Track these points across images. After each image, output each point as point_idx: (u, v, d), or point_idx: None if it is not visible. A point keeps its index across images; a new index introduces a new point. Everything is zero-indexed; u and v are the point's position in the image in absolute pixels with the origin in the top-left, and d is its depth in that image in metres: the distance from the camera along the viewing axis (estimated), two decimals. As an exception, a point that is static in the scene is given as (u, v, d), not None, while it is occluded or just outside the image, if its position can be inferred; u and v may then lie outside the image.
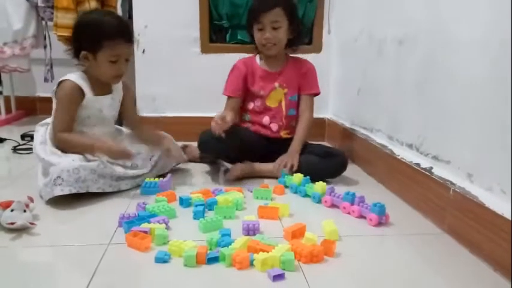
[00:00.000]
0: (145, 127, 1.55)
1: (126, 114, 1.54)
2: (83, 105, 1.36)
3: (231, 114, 1.38)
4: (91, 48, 1.31)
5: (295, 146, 1.53)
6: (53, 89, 1.38)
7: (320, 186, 1.30)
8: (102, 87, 1.40)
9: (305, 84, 1.62)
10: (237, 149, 1.48)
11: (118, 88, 1.47)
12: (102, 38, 1.29)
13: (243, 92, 1.60)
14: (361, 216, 1.17)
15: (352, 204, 1.21)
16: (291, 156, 1.49)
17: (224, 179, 1.48)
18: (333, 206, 1.25)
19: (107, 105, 1.42)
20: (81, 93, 1.34)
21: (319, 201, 1.28)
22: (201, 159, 1.69)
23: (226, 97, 1.62)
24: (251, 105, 1.62)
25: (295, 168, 1.45)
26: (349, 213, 1.20)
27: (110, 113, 1.45)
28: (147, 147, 1.49)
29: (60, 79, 1.36)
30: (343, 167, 1.49)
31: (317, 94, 1.65)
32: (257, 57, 1.63)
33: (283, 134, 1.62)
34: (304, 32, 1.63)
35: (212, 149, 1.49)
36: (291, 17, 1.50)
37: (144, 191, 1.33)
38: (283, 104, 1.60)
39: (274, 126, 1.61)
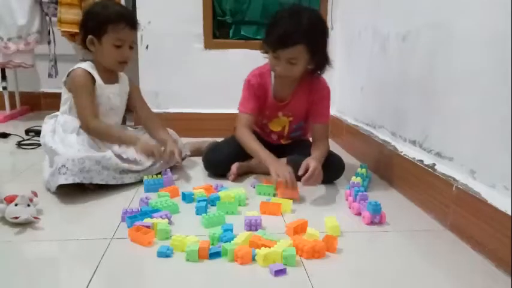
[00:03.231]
0: (156, 125, 1.55)
1: (138, 110, 1.59)
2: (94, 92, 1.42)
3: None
4: (96, 32, 1.38)
5: (320, 157, 1.35)
6: (62, 79, 1.43)
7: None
8: (109, 76, 1.47)
9: (313, 113, 1.48)
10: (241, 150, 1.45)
11: (124, 80, 1.53)
12: (106, 22, 1.36)
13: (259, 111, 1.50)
14: (360, 214, 1.16)
15: (355, 200, 1.21)
16: (320, 166, 1.29)
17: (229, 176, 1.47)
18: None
19: (115, 93, 1.49)
20: (93, 80, 1.41)
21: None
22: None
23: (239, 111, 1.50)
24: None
25: (319, 179, 1.28)
26: (350, 207, 1.21)
27: (117, 102, 1.50)
28: (151, 142, 1.50)
29: (70, 69, 1.42)
30: (339, 174, 1.46)
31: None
32: (272, 73, 1.45)
33: (283, 141, 1.60)
34: (328, 61, 1.39)
35: (221, 162, 1.47)
36: (313, 52, 1.32)
37: (147, 188, 1.32)
38: (286, 129, 1.55)
39: (274, 137, 1.59)
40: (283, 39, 1.29)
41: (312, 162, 1.27)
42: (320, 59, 1.37)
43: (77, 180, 1.20)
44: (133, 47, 1.44)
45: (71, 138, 1.33)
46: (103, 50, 1.39)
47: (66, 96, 1.43)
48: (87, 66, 1.42)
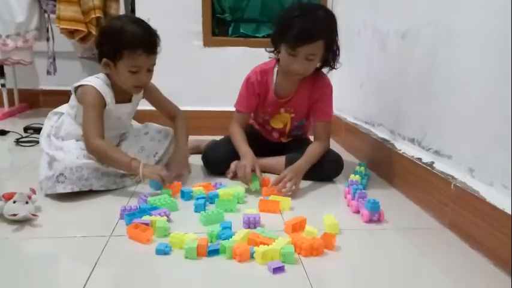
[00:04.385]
0: (177, 132, 1.49)
1: (162, 110, 1.53)
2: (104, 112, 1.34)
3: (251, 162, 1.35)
4: (111, 57, 1.28)
5: (302, 164, 1.36)
6: (73, 85, 1.34)
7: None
8: (123, 94, 1.38)
9: (315, 110, 1.48)
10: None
11: (138, 96, 1.45)
12: (122, 48, 1.25)
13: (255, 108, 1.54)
14: (358, 212, 1.16)
15: (353, 198, 1.21)
16: (296, 174, 1.31)
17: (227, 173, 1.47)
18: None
19: (126, 113, 1.44)
20: (104, 101, 1.32)
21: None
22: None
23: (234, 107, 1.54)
24: (256, 116, 1.60)
25: (295, 189, 1.30)
26: (349, 205, 1.21)
27: (126, 120, 1.47)
28: (152, 143, 1.49)
29: (83, 82, 1.32)
30: (338, 171, 1.46)
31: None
32: (275, 71, 1.47)
33: (284, 139, 1.61)
34: (337, 58, 1.41)
35: (220, 160, 1.48)
36: (328, 48, 1.34)
37: (152, 183, 1.27)
38: (287, 126, 1.55)
39: (275, 135, 1.59)
40: (306, 35, 1.27)
41: (285, 172, 1.31)
42: (332, 53, 1.37)
43: (76, 189, 1.19)
44: (151, 70, 1.34)
45: (70, 144, 1.30)
46: (119, 73, 1.29)
47: (74, 103, 1.35)
48: (100, 84, 1.31)
